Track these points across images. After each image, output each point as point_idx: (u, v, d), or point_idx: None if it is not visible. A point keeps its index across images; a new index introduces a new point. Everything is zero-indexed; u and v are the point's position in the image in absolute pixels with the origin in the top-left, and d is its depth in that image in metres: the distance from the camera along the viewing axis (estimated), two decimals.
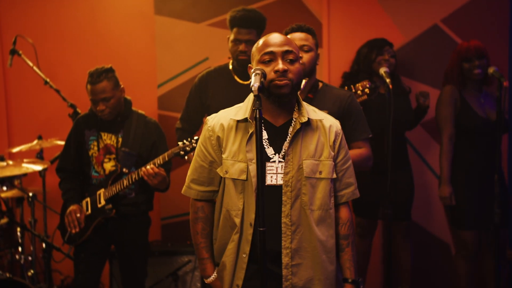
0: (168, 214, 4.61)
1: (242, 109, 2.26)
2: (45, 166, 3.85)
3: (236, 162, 2.20)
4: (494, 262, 3.40)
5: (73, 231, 3.35)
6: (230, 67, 3.58)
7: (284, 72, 2.11)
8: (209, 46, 4.51)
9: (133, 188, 3.43)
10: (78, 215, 3.34)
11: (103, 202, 3.37)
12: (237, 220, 2.21)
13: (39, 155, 4.13)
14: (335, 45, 4.46)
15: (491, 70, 3.43)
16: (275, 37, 2.19)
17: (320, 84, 3.05)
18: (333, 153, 2.25)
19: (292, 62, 2.15)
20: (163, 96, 4.58)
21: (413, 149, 4.37)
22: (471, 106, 3.78)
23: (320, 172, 2.21)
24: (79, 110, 3.83)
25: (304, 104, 2.28)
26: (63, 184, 3.50)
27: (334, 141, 2.25)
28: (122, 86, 3.43)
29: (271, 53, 2.15)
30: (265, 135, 2.21)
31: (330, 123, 2.28)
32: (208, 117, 2.33)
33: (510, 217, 3.85)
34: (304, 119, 2.20)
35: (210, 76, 3.59)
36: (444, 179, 3.78)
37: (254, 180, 2.15)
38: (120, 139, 3.42)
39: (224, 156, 2.23)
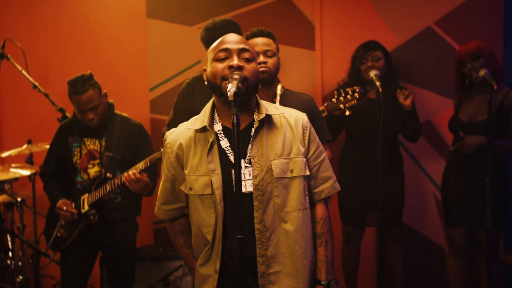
0: (160, 218, 4.55)
1: (199, 119, 2.16)
2: (33, 171, 3.83)
3: (199, 177, 2.09)
4: (487, 265, 3.35)
5: (68, 219, 3.33)
6: None
7: (238, 69, 2.02)
8: (202, 49, 4.37)
9: (119, 192, 3.40)
10: (65, 207, 3.31)
11: (86, 207, 3.34)
12: (209, 237, 2.11)
13: (28, 160, 4.11)
14: (328, 48, 4.41)
15: (482, 72, 3.37)
16: (231, 36, 2.13)
17: (281, 89, 3.04)
18: (303, 149, 2.13)
19: (248, 61, 2.07)
20: (156, 99, 4.54)
21: (407, 152, 4.32)
22: (458, 112, 3.77)
23: (292, 171, 2.09)
24: (68, 114, 3.81)
25: (264, 102, 2.18)
26: (47, 186, 3.49)
27: (303, 135, 2.15)
28: (104, 90, 3.40)
29: (226, 50, 2.06)
30: (226, 143, 2.11)
31: (295, 116, 2.17)
32: (167, 133, 2.24)
33: (506, 220, 3.79)
34: (262, 116, 2.09)
35: (197, 81, 3.54)
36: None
37: (217, 192, 2.07)
38: (103, 144, 3.40)
39: (186, 172, 2.14)
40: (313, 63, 4.40)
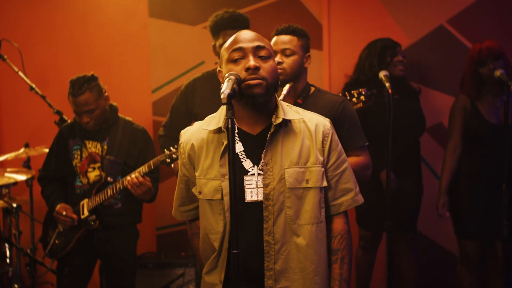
0: (163, 224, 4.45)
1: (215, 119, 2.04)
2: (30, 175, 3.71)
3: (209, 181, 1.98)
4: (503, 279, 3.18)
5: (68, 225, 3.22)
6: None
7: (255, 70, 1.88)
8: (206, 50, 4.29)
9: (119, 198, 3.27)
10: (64, 213, 3.20)
11: (86, 213, 3.22)
12: (216, 244, 1.99)
13: (26, 164, 3.98)
14: (336, 47, 4.31)
15: (498, 73, 3.23)
16: (244, 33, 1.98)
17: (312, 89, 2.89)
18: (321, 158, 1.98)
19: (264, 59, 1.93)
20: (158, 101, 4.44)
21: (420, 157, 4.16)
22: (481, 114, 3.58)
23: (307, 181, 1.95)
24: (65, 117, 3.69)
25: (283, 104, 2.03)
26: (45, 190, 3.38)
27: (323, 143, 1.99)
28: (106, 94, 3.29)
29: (240, 49, 1.92)
30: (240, 147, 1.98)
31: (316, 122, 2.02)
32: (182, 131, 2.13)
33: None
34: (279, 120, 1.95)
35: (198, 83, 3.43)
36: (440, 188, 3.65)
37: (226, 199, 1.93)
38: (105, 147, 3.29)
39: (196, 174, 2.03)
40: (321, 63, 4.29)
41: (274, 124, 1.95)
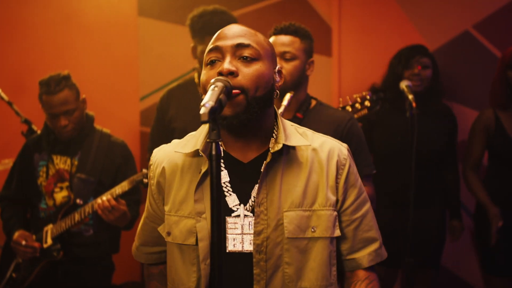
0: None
1: (194, 138, 1.57)
2: None
3: (181, 219, 1.51)
4: None
5: (28, 256, 2.79)
6: (196, 80, 3.04)
7: (229, 76, 1.40)
8: None
9: (91, 224, 2.83)
10: (24, 242, 2.76)
11: (49, 241, 2.77)
12: None
13: None
14: (346, 54, 3.97)
15: None
16: (228, 29, 1.51)
17: (313, 102, 2.51)
18: (334, 198, 1.52)
19: (248, 61, 1.45)
20: (147, 110, 4.07)
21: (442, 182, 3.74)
22: (506, 132, 3.25)
23: (313, 229, 1.49)
24: (34, 127, 3.25)
25: (286, 124, 1.57)
26: (3, 214, 2.97)
27: (337, 178, 1.52)
28: (84, 96, 2.90)
29: (217, 49, 1.47)
30: (225, 176, 1.52)
31: (328, 148, 1.55)
32: (155, 149, 1.66)
33: None
34: (278, 146, 1.48)
35: (172, 94, 3.04)
36: (486, 203, 3.24)
37: (202, 245, 1.47)
38: (75, 163, 2.86)
39: (166, 209, 1.56)
40: (329, 71, 3.97)
41: (272, 151, 1.48)
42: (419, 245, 3.02)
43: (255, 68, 1.44)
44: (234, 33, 1.48)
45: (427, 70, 3.29)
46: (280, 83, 1.55)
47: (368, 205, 1.60)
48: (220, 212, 1.22)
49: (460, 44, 3.81)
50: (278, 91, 1.54)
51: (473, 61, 3.80)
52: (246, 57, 1.44)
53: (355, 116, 2.71)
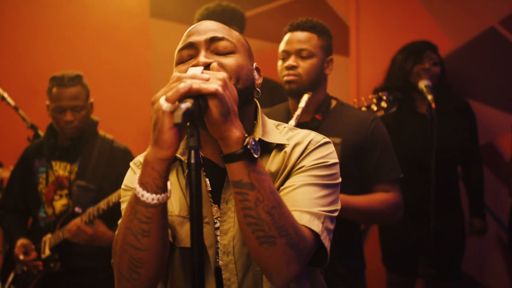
0: None
1: None
2: None
3: (185, 220, 1.38)
4: None
5: (30, 266, 2.69)
6: None
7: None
8: None
9: None
10: (22, 257, 2.66)
11: (47, 251, 2.66)
12: None
13: None
14: (365, 53, 3.86)
15: None
16: (199, 24, 1.40)
17: (334, 102, 2.37)
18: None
19: (224, 54, 1.34)
20: None
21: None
22: None
23: None
24: (40, 133, 3.16)
25: (267, 121, 1.44)
26: (4, 223, 2.88)
27: (297, 160, 1.36)
28: (92, 100, 2.82)
29: (190, 45, 1.35)
30: (208, 185, 1.40)
31: (306, 142, 1.38)
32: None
33: None
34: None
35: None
36: None
37: (211, 253, 1.37)
38: (75, 169, 2.74)
39: (169, 209, 1.43)
40: (347, 71, 3.86)
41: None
42: (438, 255, 2.86)
43: (234, 58, 1.34)
44: (206, 27, 1.37)
45: (437, 67, 3.15)
46: (259, 81, 1.42)
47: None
48: (199, 216, 1.11)
49: (486, 41, 3.61)
50: (259, 89, 1.41)
51: (499, 59, 3.61)
52: (222, 51, 1.34)
53: None
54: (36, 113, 3.46)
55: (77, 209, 2.64)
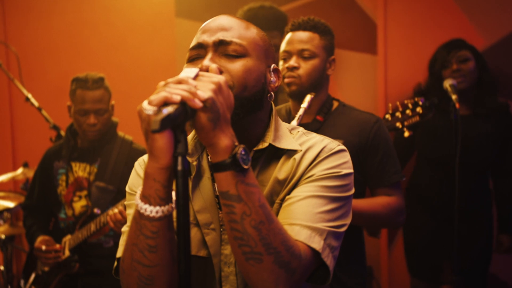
0: None
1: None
2: (16, 202, 3.18)
3: (192, 226, 1.34)
4: None
5: (50, 262, 2.71)
6: None
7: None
8: None
9: (111, 234, 2.70)
10: (44, 247, 2.68)
11: (67, 252, 2.67)
12: None
13: (24, 186, 3.47)
14: (393, 52, 3.73)
15: None
16: (212, 20, 1.34)
17: (335, 104, 2.32)
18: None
19: (231, 57, 1.28)
20: None
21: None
22: None
23: None
24: (62, 133, 3.17)
25: (282, 125, 1.38)
26: (26, 222, 2.89)
27: (307, 167, 1.30)
28: (113, 102, 2.82)
29: (199, 46, 1.30)
30: (216, 189, 1.34)
31: (318, 149, 1.32)
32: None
33: None
34: (263, 145, 1.32)
35: None
36: None
37: (215, 261, 1.32)
38: (95, 171, 2.74)
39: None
40: (375, 70, 3.74)
41: (255, 149, 1.31)
42: (463, 262, 2.77)
43: (241, 63, 1.28)
44: (218, 26, 1.32)
45: (468, 62, 2.98)
46: (276, 84, 1.36)
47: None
48: (187, 229, 1.05)
49: None
50: (272, 93, 1.35)
51: None
52: (230, 54, 1.28)
53: (405, 123, 2.49)
54: (60, 113, 3.47)
55: (96, 210, 2.64)
